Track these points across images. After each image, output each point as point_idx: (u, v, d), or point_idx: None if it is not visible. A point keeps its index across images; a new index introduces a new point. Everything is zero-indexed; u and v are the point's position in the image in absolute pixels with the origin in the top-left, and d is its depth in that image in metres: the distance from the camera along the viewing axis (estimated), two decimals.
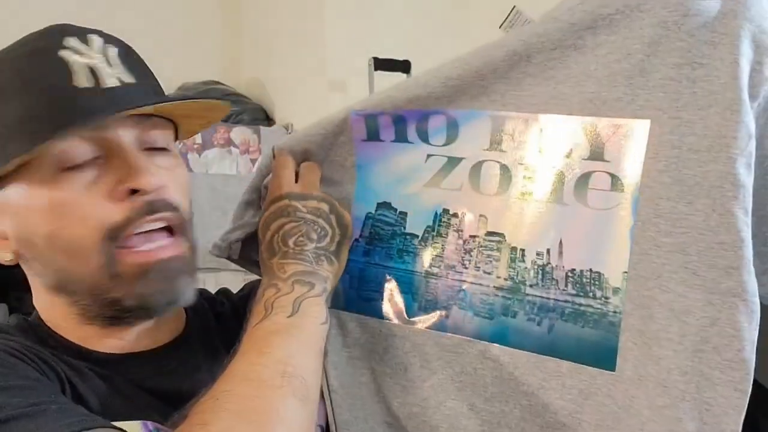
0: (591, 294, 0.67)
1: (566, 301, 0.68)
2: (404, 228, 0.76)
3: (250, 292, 0.84)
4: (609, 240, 0.66)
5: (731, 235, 0.60)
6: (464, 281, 0.73)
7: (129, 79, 0.66)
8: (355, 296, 0.77)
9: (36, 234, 0.64)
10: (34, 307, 0.72)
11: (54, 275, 0.66)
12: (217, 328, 0.78)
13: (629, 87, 0.66)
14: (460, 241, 0.73)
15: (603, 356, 0.65)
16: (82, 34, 0.66)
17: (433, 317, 0.74)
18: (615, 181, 0.67)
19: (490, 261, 0.71)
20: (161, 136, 0.69)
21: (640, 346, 0.63)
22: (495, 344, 0.70)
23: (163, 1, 2.68)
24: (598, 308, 0.66)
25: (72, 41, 0.65)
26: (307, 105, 2.40)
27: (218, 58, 2.83)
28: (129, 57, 0.68)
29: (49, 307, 0.69)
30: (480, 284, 0.72)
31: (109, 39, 0.67)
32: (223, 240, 0.79)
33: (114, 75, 0.65)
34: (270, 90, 2.68)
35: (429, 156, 0.75)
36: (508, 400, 0.70)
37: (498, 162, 0.72)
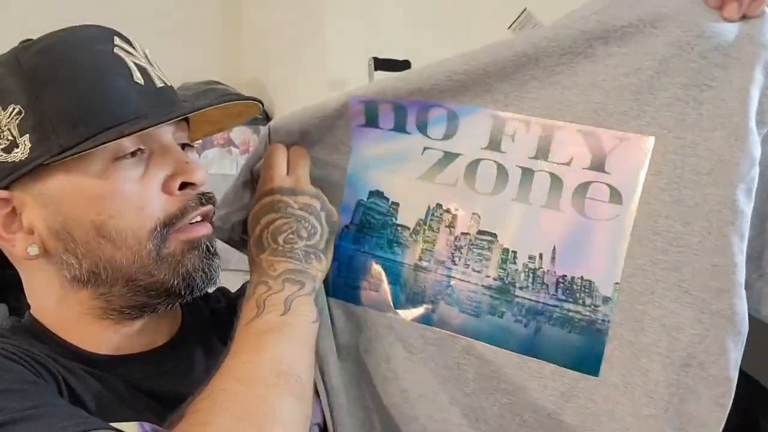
0: (580, 301, 0.67)
1: (555, 306, 0.68)
2: (396, 219, 0.76)
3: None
4: (603, 250, 0.67)
5: (725, 258, 0.61)
6: (453, 277, 0.73)
7: (168, 81, 0.70)
8: (342, 283, 0.78)
9: (79, 224, 0.65)
10: (28, 308, 0.72)
11: (89, 266, 0.66)
12: (214, 325, 0.79)
13: (636, 102, 0.67)
14: (452, 237, 0.73)
15: (587, 361, 0.67)
16: (122, 36, 0.69)
17: (419, 310, 0.74)
18: (614, 193, 0.67)
19: (481, 259, 0.72)
20: (185, 135, 0.72)
21: (629, 356, 0.65)
22: (479, 342, 0.71)
23: (163, 1, 2.68)
24: (586, 315, 0.67)
25: (120, 41, 0.68)
26: (307, 105, 2.39)
27: (218, 58, 2.83)
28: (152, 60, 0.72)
29: (59, 304, 0.69)
30: (468, 281, 0.72)
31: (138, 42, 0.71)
32: (224, 222, 0.79)
33: (158, 76, 0.69)
34: (270, 90, 2.68)
35: (426, 149, 0.75)
36: (488, 396, 0.70)
37: (495, 162, 0.72)
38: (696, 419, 0.62)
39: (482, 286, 0.71)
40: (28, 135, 0.63)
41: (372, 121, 0.77)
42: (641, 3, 0.68)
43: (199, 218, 0.69)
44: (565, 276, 0.68)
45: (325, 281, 0.77)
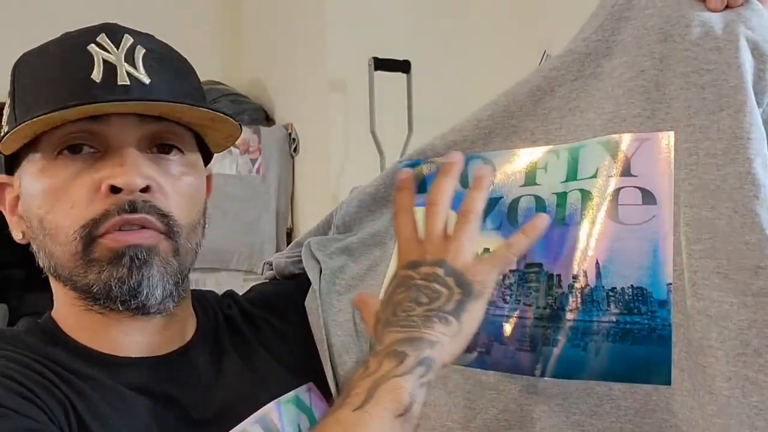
0: (635, 310, 0.65)
1: (610, 322, 0.65)
2: None
3: (256, 296, 0.85)
4: (647, 254, 0.65)
5: (756, 234, 0.59)
6: (504, 315, 0.71)
7: (146, 79, 0.66)
8: None
9: (32, 215, 0.68)
10: (33, 307, 0.72)
11: (45, 259, 0.68)
12: (227, 331, 0.78)
13: (647, 102, 0.67)
14: (500, 277, 0.71)
15: (656, 372, 0.63)
16: (120, 32, 0.68)
17: (473, 355, 0.71)
18: (646, 194, 0.66)
19: (530, 292, 0.70)
20: (176, 139, 0.69)
21: (691, 356, 0.62)
22: (539, 378, 0.68)
23: (163, 1, 2.68)
24: (645, 324, 0.64)
25: (104, 38, 0.67)
26: (307, 105, 2.40)
27: (218, 58, 2.83)
28: (162, 60, 0.69)
29: (55, 292, 0.71)
30: (520, 317, 0.70)
31: (146, 42, 0.69)
32: (277, 268, 0.86)
33: (134, 75, 0.66)
34: (270, 90, 2.68)
35: None
36: None
37: (533, 195, 0.73)
38: (764, 411, 0.57)
39: (534, 318, 0.69)
40: (8, 126, 0.68)
41: (422, 188, 0.77)
42: (631, 9, 0.69)
43: (131, 227, 0.65)
44: (615, 288, 0.66)
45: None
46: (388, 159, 2.10)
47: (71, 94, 0.64)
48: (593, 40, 0.70)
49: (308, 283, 0.83)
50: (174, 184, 0.68)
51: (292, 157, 2.51)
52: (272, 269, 0.90)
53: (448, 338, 0.62)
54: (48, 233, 0.66)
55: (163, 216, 0.66)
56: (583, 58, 0.71)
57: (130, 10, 2.35)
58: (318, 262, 0.83)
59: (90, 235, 0.65)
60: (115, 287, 0.65)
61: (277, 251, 2.50)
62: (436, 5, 2.34)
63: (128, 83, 0.66)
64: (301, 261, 0.85)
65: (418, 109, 2.16)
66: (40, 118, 0.63)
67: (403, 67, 2.16)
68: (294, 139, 2.47)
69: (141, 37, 0.69)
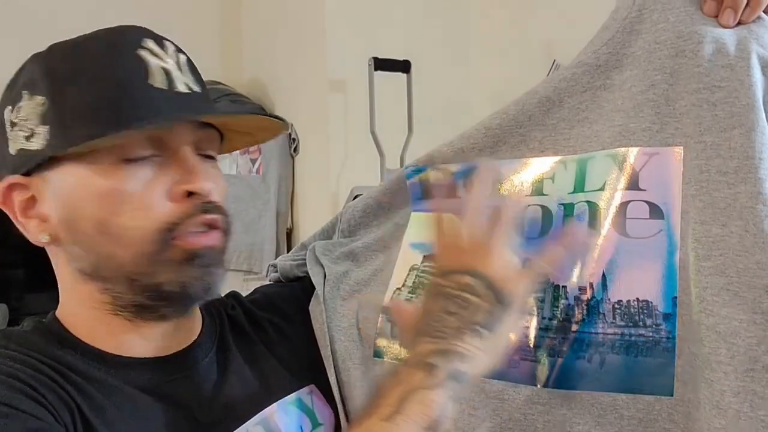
0: (641, 323, 0.65)
1: (615, 334, 0.66)
2: None
3: (260, 297, 0.86)
4: (654, 268, 0.65)
5: (766, 254, 0.60)
6: None
7: (196, 87, 0.70)
8: (397, 345, 0.77)
9: (85, 218, 0.66)
10: (33, 307, 0.72)
11: (93, 260, 0.68)
12: (231, 332, 0.79)
13: (657, 116, 0.67)
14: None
15: (659, 383, 0.64)
16: (158, 38, 0.70)
17: None
18: (653, 209, 0.66)
19: (536, 302, 0.70)
20: (212, 145, 0.72)
21: (697, 369, 0.62)
22: (543, 387, 0.68)
23: (163, 1, 2.68)
24: (649, 336, 0.65)
25: (150, 43, 0.68)
26: (307, 105, 2.39)
27: (218, 58, 2.83)
28: (194, 67, 0.72)
29: (74, 297, 0.70)
30: (525, 327, 0.70)
31: (178, 49, 0.71)
32: (282, 271, 0.86)
33: (184, 81, 0.69)
34: (270, 90, 2.68)
35: None
36: None
37: (540, 205, 0.73)
38: None
39: (540, 328, 0.69)
40: (47, 127, 0.66)
41: (428, 194, 0.80)
42: (643, 23, 0.69)
43: (204, 228, 0.68)
44: (620, 301, 0.66)
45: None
46: (388, 159, 2.10)
47: (135, 100, 0.65)
48: (604, 53, 0.70)
49: (313, 286, 0.83)
50: (218, 186, 0.71)
51: (292, 157, 2.51)
52: (277, 272, 0.90)
53: (480, 351, 0.61)
54: (112, 235, 0.66)
55: (225, 215, 0.71)
56: (593, 70, 0.71)
57: (131, 10, 2.35)
58: (322, 267, 0.84)
59: (166, 238, 0.66)
60: (193, 287, 0.67)
61: (277, 251, 2.51)
62: (436, 5, 2.34)
63: (186, 91, 0.68)
64: (306, 264, 0.85)
65: (418, 109, 2.16)
66: (136, 130, 0.64)
67: (403, 67, 2.16)
68: (294, 139, 2.47)
69: (173, 44, 0.71)
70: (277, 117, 0.73)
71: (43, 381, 0.62)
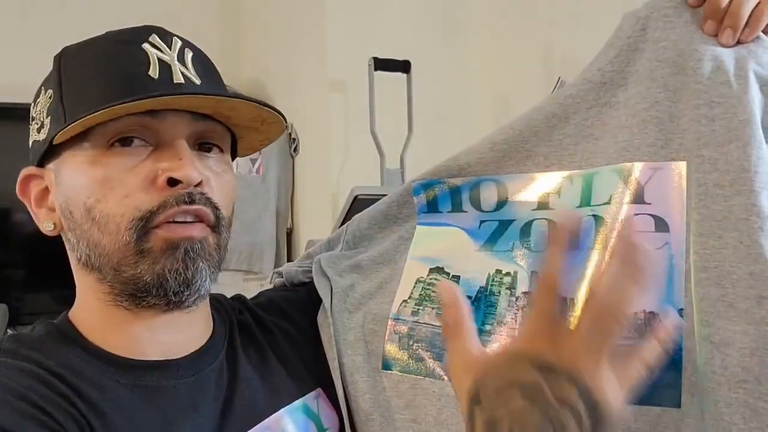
0: (646, 335, 0.65)
1: (623, 346, 0.67)
2: None
3: (266, 301, 0.86)
4: (661, 280, 0.66)
5: (760, 265, 0.61)
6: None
7: (197, 80, 0.69)
8: (405, 356, 0.77)
9: (76, 205, 0.67)
10: (33, 307, 0.72)
11: (84, 248, 0.68)
12: (240, 335, 0.78)
13: (661, 132, 0.68)
14: (513, 298, 0.72)
15: (666, 394, 0.64)
16: (168, 35, 0.71)
17: None
18: (659, 222, 0.67)
19: None
20: (217, 138, 0.71)
21: (698, 380, 0.63)
22: None
23: (163, 1, 2.68)
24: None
25: (156, 38, 0.69)
26: (307, 105, 2.40)
27: (218, 58, 2.83)
28: (205, 65, 0.72)
29: (81, 289, 0.72)
30: None
31: (190, 46, 0.72)
32: (287, 275, 0.86)
33: (183, 73, 0.69)
34: (270, 90, 2.68)
35: (482, 222, 0.78)
36: None
37: (546, 219, 0.73)
38: None
39: None
40: (50, 117, 0.69)
41: (433, 207, 0.81)
42: (646, 42, 0.70)
43: (189, 218, 0.67)
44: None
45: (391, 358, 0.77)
46: (388, 159, 2.11)
47: (130, 89, 0.66)
48: (608, 71, 0.72)
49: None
50: (218, 180, 0.70)
51: (292, 157, 2.51)
52: (282, 277, 0.91)
53: None
54: (97, 222, 0.66)
55: (215, 209, 0.69)
56: (598, 88, 0.72)
57: (131, 10, 2.35)
58: (328, 279, 0.84)
59: (145, 225, 0.65)
60: (171, 279, 0.66)
61: (276, 251, 2.51)
62: (436, 5, 2.34)
63: (183, 82, 0.68)
64: (311, 271, 0.86)
65: (418, 109, 2.16)
66: (113, 108, 0.63)
67: (403, 67, 2.16)
68: (294, 139, 2.47)
69: (185, 41, 0.72)
70: (269, 106, 0.71)
71: (53, 400, 0.61)
